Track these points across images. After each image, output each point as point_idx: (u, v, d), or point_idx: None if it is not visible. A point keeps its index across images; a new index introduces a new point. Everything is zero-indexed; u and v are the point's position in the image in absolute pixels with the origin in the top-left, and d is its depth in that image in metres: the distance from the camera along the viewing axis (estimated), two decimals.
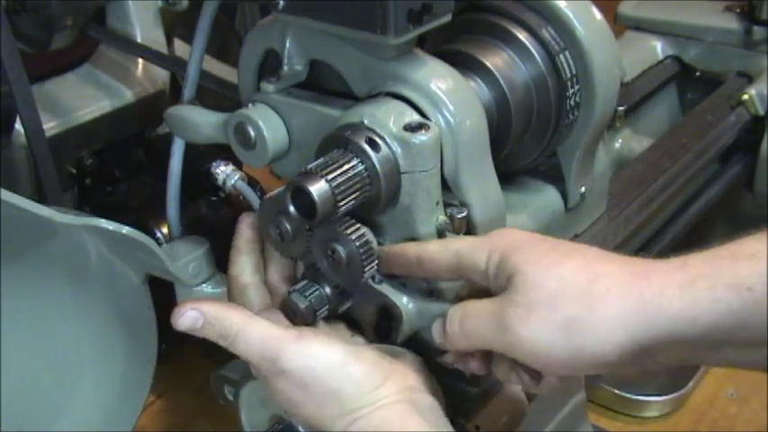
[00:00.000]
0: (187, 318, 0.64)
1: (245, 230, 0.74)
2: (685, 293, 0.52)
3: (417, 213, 0.65)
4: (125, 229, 0.77)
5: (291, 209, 0.63)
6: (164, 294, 0.88)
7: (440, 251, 0.63)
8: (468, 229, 0.69)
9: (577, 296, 0.55)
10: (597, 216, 0.90)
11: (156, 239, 0.83)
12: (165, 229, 1.16)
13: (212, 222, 1.23)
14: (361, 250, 0.64)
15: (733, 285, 0.51)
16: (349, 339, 0.69)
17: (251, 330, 0.63)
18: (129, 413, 0.93)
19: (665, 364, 0.56)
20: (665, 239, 1.05)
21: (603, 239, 0.89)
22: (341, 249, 0.64)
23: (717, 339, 0.53)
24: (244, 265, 0.73)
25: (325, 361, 0.61)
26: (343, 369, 0.61)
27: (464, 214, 0.66)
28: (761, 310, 0.51)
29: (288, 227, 0.67)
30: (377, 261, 0.65)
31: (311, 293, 0.67)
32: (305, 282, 0.68)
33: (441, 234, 0.67)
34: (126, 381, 0.92)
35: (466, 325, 0.60)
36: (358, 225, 0.64)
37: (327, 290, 0.68)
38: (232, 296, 0.74)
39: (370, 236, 0.65)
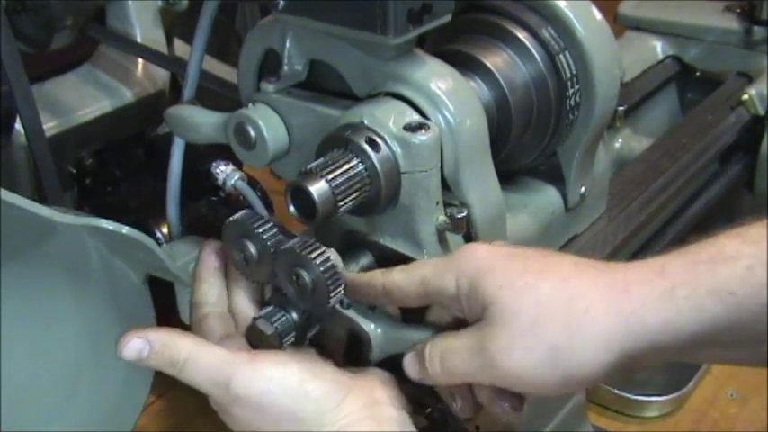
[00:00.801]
0: (131, 348, 0.60)
1: (208, 258, 0.70)
2: (666, 304, 0.51)
3: (417, 213, 0.65)
4: (125, 229, 0.77)
5: (291, 209, 0.63)
6: (164, 294, 0.88)
7: (405, 279, 0.61)
8: (468, 229, 0.69)
9: (558, 319, 0.53)
10: (597, 216, 0.90)
11: (156, 239, 0.83)
12: (165, 229, 1.16)
13: (212, 222, 1.23)
14: (327, 275, 0.61)
15: (714, 291, 0.51)
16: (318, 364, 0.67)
17: (200, 356, 0.60)
18: (129, 413, 0.93)
19: (652, 366, 0.56)
20: (665, 239, 1.05)
21: (603, 239, 0.89)
22: (305, 275, 0.61)
23: (702, 343, 0.52)
24: (205, 293, 0.69)
25: (280, 382, 0.59)
26: (301, 389, 0.59)
27: (464, 214, 0.66)
28: (744, 312, 0.50)
29: (252, 250, 0.64)
30: (343, 286, 0.62)
31: (277, 319, 0.64)
32: (271, 307, 0.65)
33: (440, 234, 0.67)
34: (126, 381, 0.92)
35: (447, 363, 0.58)
36: (323, 248, 0.62)
37: (294, 315, 0.65)
38: (192, 325, 0.70)
39: (336, 259, 0.62)
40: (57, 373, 0.91)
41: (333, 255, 0.62)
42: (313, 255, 0.61)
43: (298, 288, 0.63)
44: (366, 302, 0.65)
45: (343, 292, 0.63)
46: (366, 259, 0.69)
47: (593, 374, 0.53)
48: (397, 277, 0.61)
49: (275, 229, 0.64)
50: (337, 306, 0.65)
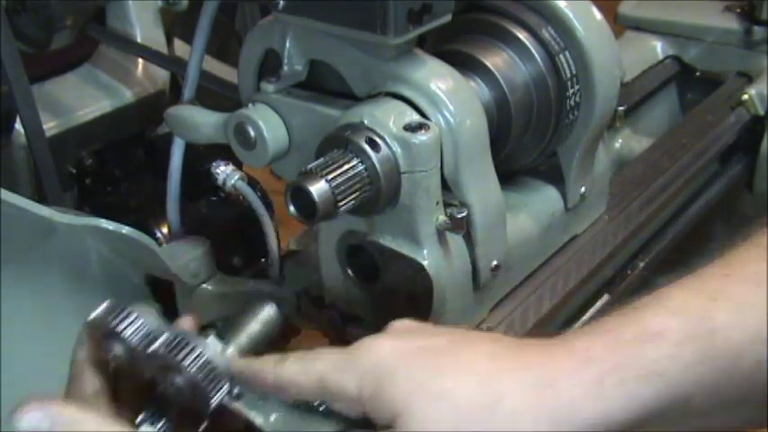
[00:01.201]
0: (28, 420, 0.52)
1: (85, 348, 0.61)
2: (596, 396, 0.48)
3: (417, 213, 0.65)
4: (125, 229, 0.77)
5: (291, 209, 0.63)
6: (164, 294, 0.88)
7: (301, 373, 0.54)
8: (468, 228, 0.69)
9: (483, 426, 0.47)
10: (597, 216, 0.90)
11: (156, 239, 0.83)
12: (165, 229, 1.16)
13: (212, 222, 1.23)
14: (202, 376, 0.54)
15: (643, 376, 0.47)
16: None
17: None
18: None
19: None
20: (665, 239, 1.05)
21: (603, 239, 0.89)
22: (179, 379, 0.55)
23: (635, 426, 0.49)
24: (86, 383, 0.60)
25: None
26: None
27: (464, 214, 0.66)
28: (676, 393, 0.48)
29: (120, 351, 0.57)
30: (226, 382, 0.56)
31: (161, 426, 0.57)
32: (152, 411, 0.58)
33: (440, 234, 0.67)
34: None
35: None
36: (194, 343, 0.55)
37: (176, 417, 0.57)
38: None
39: (211, 353, 0.55)
40: (57, 372, 0.91)
41: (209, 347, 0.55)
42: (182, 355, 0.54)
43: (176, 391, 0.56)
44: (258, 393, 0.57)
45: (226, 389, 0.56)
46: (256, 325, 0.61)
47: None
48: (291, 370, 0.54)
49: (141, 323, 0.57)
50: (225, 400, 0.57)
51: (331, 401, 0.54)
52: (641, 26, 1.41)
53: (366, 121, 0.64)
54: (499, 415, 0.48)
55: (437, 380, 0.49)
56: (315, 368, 0.53)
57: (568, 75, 0.76)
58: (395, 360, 0.51)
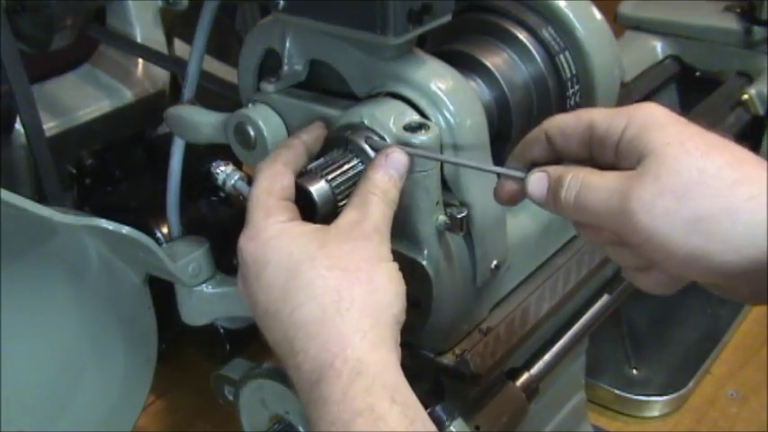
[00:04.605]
0: None
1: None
2: None
3: (417, 213, 0.65)
4: (125, 229, 0.77)
5: None
6: (164, 294, 0.88)
7: (572, 121, 0.58)
8: (468, 228, 0.68)
9: (716, 195, 0.50)
10: None
11: (156, 239, 0.83)
12: (165, 229, 1.16)
13: (212, 222, 1.23)
14: None
15: None
16: None
17: None
18: (129, 413, 0.93)
19: None
20: None
21: None
22: None
23: None
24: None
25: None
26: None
27: (464, 214, 0.66)
28: None
29: None
30: None
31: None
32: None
33: (440, 234, 0.67)
34: (126, 381, 0.92)
35: (582, 197, 0.55)
36: None
37: None
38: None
39: None
40: (57, 373, 0.91)
41: None
42: None
43: None
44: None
45: None
46: None
47: (728, 266, 0.50)
48: (561, 119, 0.58)
49: None
50: None
51: (590, 149, 0.57)
52: (641, 26, 1.41)
53: (366, 121, 0.64)
54: (737, 193, 0.50)
55: (696, 140, 0.52)
56: (587, 116, 0.57)
57: (568, 75, 0.76)
58: (664, 119, 0.54)
